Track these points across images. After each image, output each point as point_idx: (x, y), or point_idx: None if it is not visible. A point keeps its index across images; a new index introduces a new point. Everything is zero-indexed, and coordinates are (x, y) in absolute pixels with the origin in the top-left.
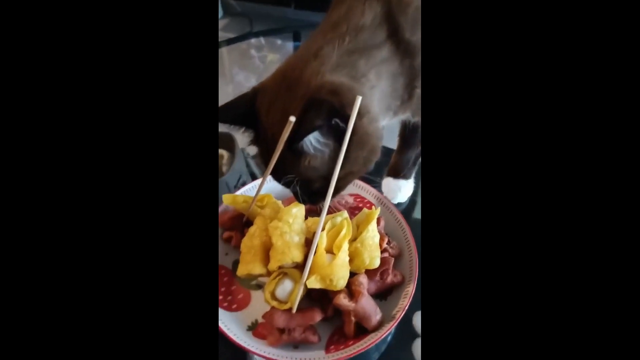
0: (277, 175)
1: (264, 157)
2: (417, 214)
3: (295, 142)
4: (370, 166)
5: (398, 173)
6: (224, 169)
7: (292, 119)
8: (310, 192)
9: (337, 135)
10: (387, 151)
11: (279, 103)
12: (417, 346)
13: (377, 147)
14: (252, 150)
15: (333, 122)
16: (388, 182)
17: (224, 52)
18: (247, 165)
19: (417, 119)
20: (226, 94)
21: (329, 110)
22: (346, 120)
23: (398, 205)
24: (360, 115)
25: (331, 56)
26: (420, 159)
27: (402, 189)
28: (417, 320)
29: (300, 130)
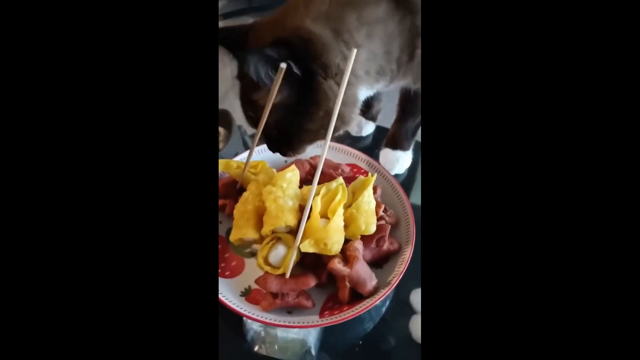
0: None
1: (242, 93)
2: (415, 196)
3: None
4: (330, 131)
5: (396, 144)
6: (221, 145)
7: (283, 65)
8: (269, 137)
9: (291, 82)
10: (381, 130)
11: (261, 43)
12: (414, 322)
13: (340, 113)
14: (250, 129)
15: (287, 62)
16: (386, 153)
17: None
18: (244, 143)
19: (418, 86)
20: (225, 77)
21: (290, 52)
22: (303, 69)
23: (396, 176)
24: (329, 73)
25: (321, 6)
26: (420, 130)
27: (399, 160)
28: (414, 297)
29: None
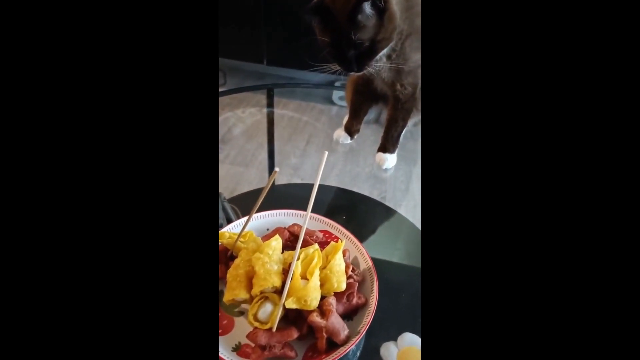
0: (339, 48)
1: (333, 46)
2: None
3: (356, 14)
4: (393, 37)
5: (385, 149)
6: None
7: (277, 169)
8: (359, 53)
9: (378, 12)
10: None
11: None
12: None
13: (396, 26)
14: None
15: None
16: (379, 155)
17: None
18: (224, 209)
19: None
20: None
21: None
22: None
23: (386, 170)
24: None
25: None
26: (401, 135)
27: (388, 159)
28: (384, 350)
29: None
